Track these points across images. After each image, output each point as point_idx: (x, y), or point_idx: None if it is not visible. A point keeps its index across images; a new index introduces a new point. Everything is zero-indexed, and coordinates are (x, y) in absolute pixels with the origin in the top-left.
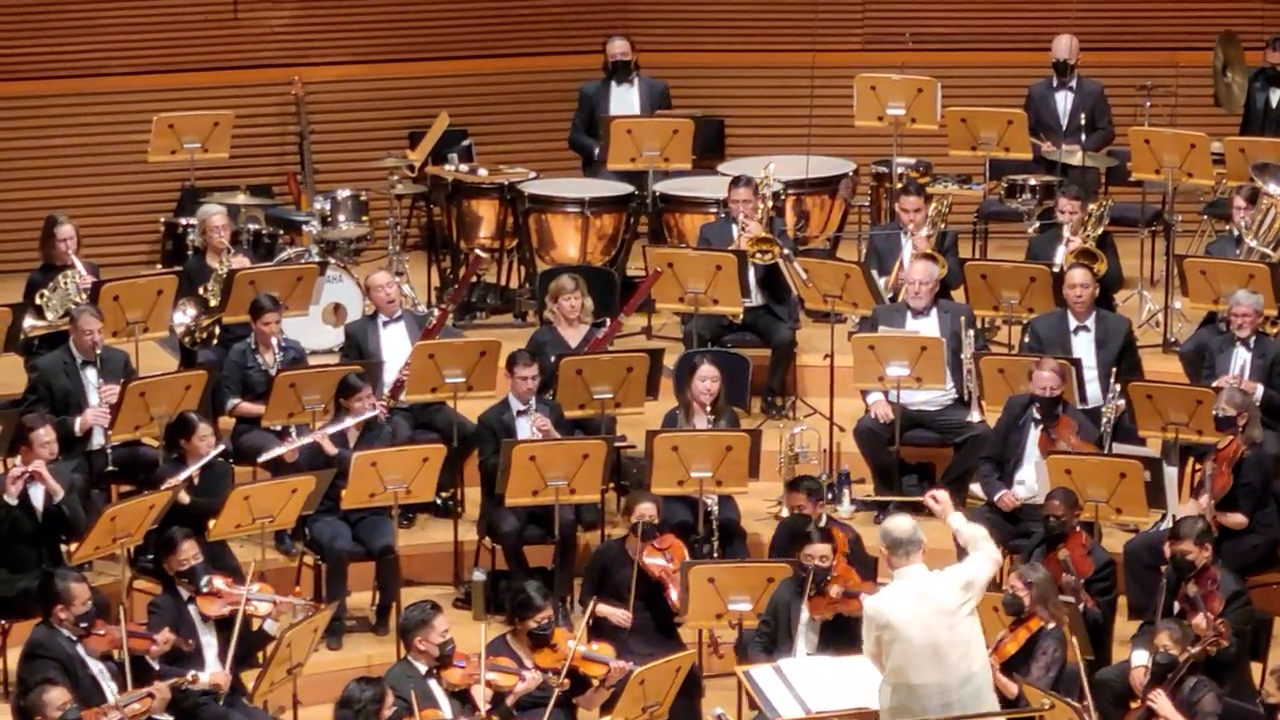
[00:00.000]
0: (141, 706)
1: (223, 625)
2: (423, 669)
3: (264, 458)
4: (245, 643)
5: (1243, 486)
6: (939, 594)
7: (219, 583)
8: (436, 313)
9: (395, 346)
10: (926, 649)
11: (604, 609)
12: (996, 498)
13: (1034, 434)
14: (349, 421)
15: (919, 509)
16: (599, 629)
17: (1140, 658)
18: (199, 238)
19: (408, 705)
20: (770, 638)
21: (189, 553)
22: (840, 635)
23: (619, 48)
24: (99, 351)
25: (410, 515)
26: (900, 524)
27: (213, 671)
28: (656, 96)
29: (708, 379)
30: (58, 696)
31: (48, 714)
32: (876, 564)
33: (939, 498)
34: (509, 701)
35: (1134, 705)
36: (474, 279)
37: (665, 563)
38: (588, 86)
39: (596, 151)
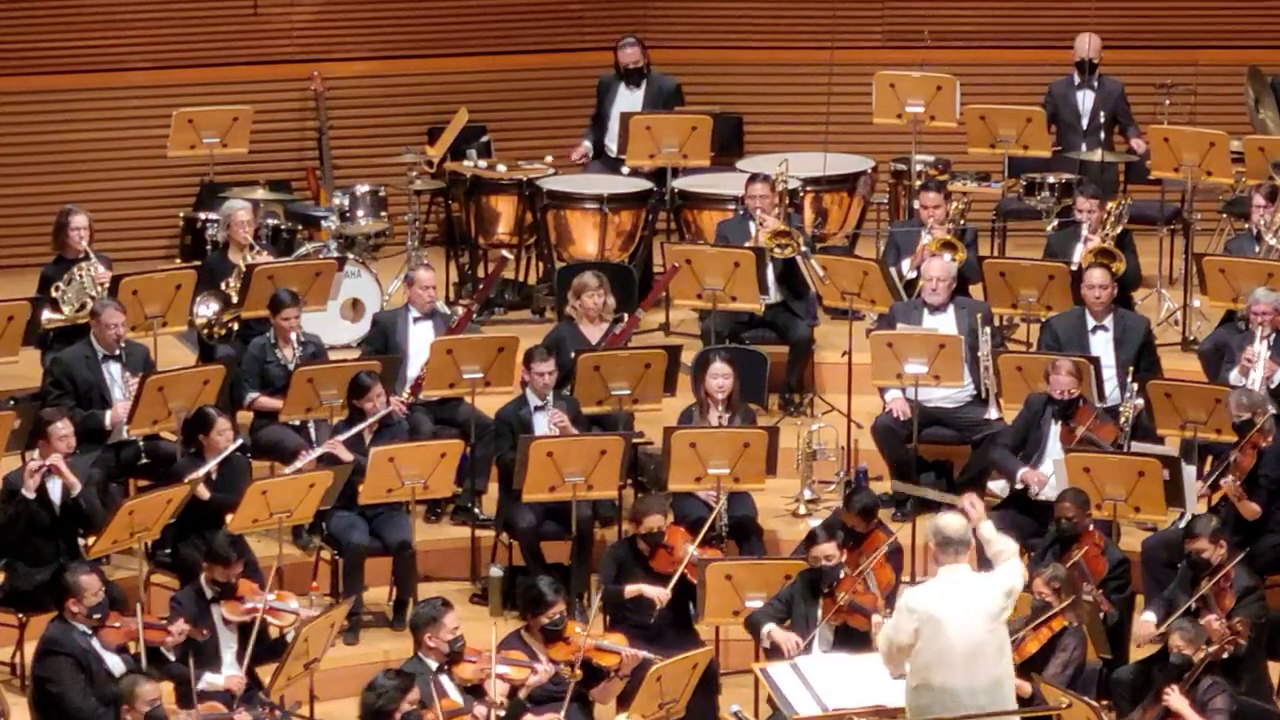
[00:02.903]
0: None
1: (244, 627)
2: (433, 665)
3: (284, 474)
4: (265, 647)
5: (1260, 477)
6: (983, 597)
7: (244, 589)
8: (460, 311)
9: (422, 342)
10: (963, 650)
11: (640, 587)
12: (1020, 474)
13: (1055, 429)
14: (363, 424)
15: (935, 506)
16: (615, 621)
17: (1150, 616)
18: (222, 233)
19: (429, 700)
20: (782, 617)
21: (238, 570)
22: (855, 634)
23: (630, 55)
24: (122, 345)
25: (438, 510)
26: (952, 522)
27: (229, 674)
28: (666, 95)
29: (719, 376)
30: (149, 691)
31: (137, 706)
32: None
33: (976, 504)
34: (521, 694)
35: (1149, 709)
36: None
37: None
38: (604, 77)
39: (597, 143)
